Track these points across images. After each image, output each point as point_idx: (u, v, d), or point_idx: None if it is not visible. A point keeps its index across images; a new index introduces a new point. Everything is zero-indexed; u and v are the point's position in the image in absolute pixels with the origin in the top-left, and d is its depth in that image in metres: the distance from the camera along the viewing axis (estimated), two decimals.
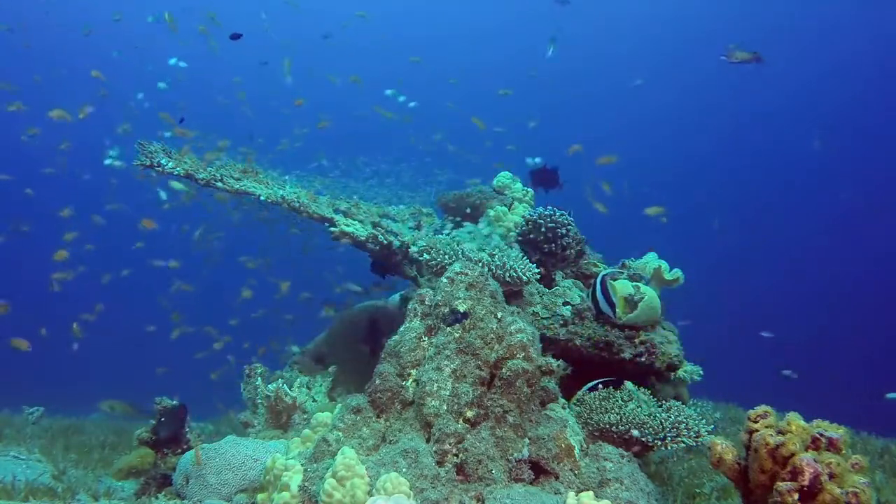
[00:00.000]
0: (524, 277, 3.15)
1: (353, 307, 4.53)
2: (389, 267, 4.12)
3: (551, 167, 4.30)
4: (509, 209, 4.16)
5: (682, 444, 2.59)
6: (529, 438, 2.42)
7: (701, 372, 3.66)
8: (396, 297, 4.63)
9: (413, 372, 2.58)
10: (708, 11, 19.90)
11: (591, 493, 2.02)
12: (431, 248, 3.34)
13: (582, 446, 2.52)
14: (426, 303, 2.73)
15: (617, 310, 3.03)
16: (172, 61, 5.70)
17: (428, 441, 2.37)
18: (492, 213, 4.12)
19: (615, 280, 3.32)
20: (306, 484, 2.22)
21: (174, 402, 3.51)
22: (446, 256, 3.25)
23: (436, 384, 2.42)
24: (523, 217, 3.80)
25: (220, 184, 3.71)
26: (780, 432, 1.88)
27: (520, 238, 3.65)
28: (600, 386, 2.89)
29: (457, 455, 2.32)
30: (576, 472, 2.36)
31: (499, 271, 3.09)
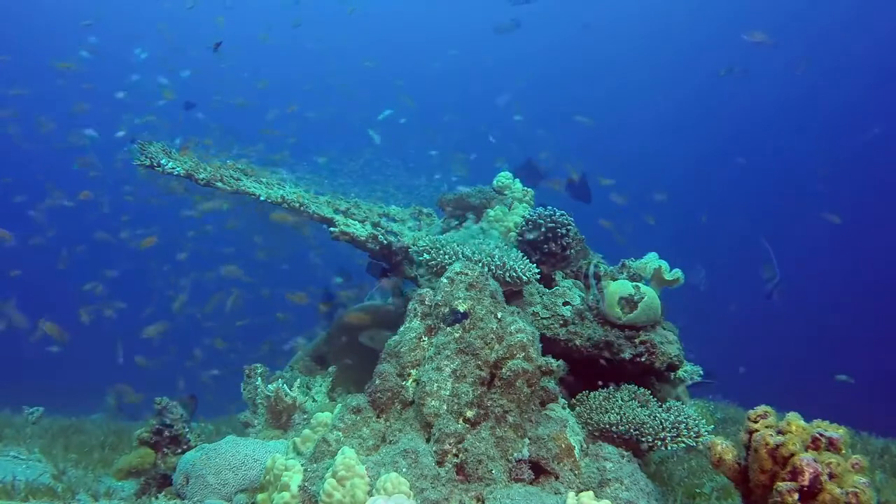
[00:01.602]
0: (524, 277, 3.14)
1: (353, 307, 4.53)
2: (388, 269, 4.12)
3: (581, 180, 4.30)
4: (509, 209, 4.16)
5: (682, 445, 2.59)
6: (529, 438, 2.42)
7: (701, 372, 3.66)
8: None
9: (413, 372, 2.58)
10: (710, 13, 19.91)
11: (591, 493, 2.02)
12: (432, 248, 3.34)
13: (582, 446, 2.52)
14: (426, 303, 2.73)
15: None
16: (139, 51, 5.78)
17: (428, 441, 2.37)
18: (491, 213, 4.12)
19: (615, 280, 3.32)
20: (306, 484, 2.22)
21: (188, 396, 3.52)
22: (446, 256, 3.25)
23: (436, 384, 2.42)
24: (523, 217, 3.80)
25: (220, 184, 3.71)
26: (780, 432, 1.87)
27: (520, 238, 3.65)
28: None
29: (457, 455, 2.32)
30: (576, 472, 2.36)
31: (499, 271, 3.09)
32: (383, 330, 3.96)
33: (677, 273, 3.31)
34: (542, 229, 3.51)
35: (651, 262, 3.46)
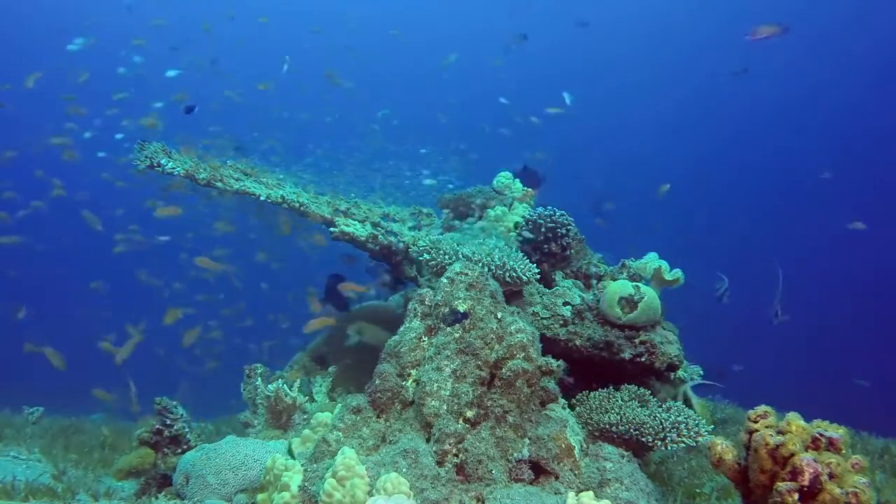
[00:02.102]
0: (524, 277, 3.14)
1: (353, 308, 4.53)
2: (389, 270, 4.12)
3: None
4: (509, 209, 4.16)
5: (682, 445, 2.59)
6: (529, 438, 2.42)
7: (701, 372, 3.66)
8: (397, 296, 4.63)
9: (413, 372, 2.58)
10: (710, 13, 19.92)
11: (591, 493, 2.02)
12: (432, 248, 3.34)
13: (582, 446, 2.52)
14: (426, 303, 2.73)
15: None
16: (137, 58, 5.76)
17: (428, 441, 2.37)
18: (492, 213, 4.12)
19: (615, 280, 3.32)
20: (306, 484, 2.22)
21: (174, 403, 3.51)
22: (446, 256, 3.25)
23: (436, 384, 2.42)
24: (523, 217, 3.80)
25: (220, 184, 3.71)
26: (780, 432, 1.87)
27: (520, 238, 3.66)
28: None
29: (457, 455, 2.32)
30: (576, 472, 2.36)
31: (499, 271, 3.09)
32: (370, 323, 3.97)
33: (677, 273, 3.31)
34: (542, 229, 3.52)
35: (651, 262, 3.46)
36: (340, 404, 2.75)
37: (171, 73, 6.14)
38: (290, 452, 2.76)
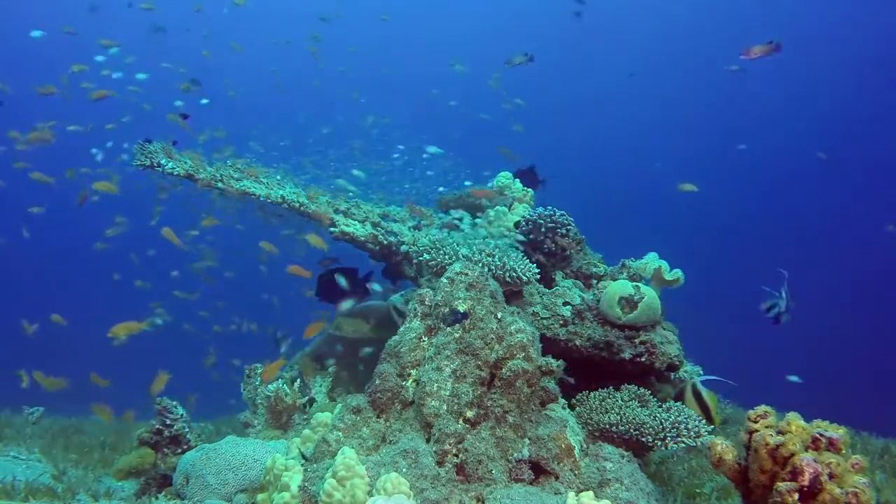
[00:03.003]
0: (524, 277, 3.15)
1: (353, 308, 4.52)
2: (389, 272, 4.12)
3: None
4: (509, 209, 4.16)
5: (683, 445, 2.59)
6: (529, 438, 2.42)
7: (701, 372, 3.66)
8: (397, 297, 4.62)
9: (413, 372, 2.58)
10: (711, 12, 19.93)
11: (591, 493, 2.02)
12: (431, 248, 3.34)
13: (582, 446, 2.52)
14: (426, 303, 2.73)
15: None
16: (113, 51, 5.62)
17: (428, 441, 2.37)
18: (492, 213, 4.12)
19: (615, 280, 3.32)
20: (306, 484, 2.22)
21: (175, 404, 3.51)
22: (446, 256, 3.25)
23: (436, 384, 2.42)
24: (523, 217, 3.80)
25: (220, 184, 3.71)
26: (780, 432, 1.87)
27: (520, 238, 3.66)
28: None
29: (457, 455, 2.32)
30: (576, 472, 2.36)
31: (499, 271, 3.09)
32: (350, 318, 3.97)
33: (677, 273, 3.31)
34: (542, 229, 3.52)
35: (651, 262, 3.46)
36: (340, 404, 2.75)
37: (141, 76, 6.02)
38: (295, 450, 2.76)
